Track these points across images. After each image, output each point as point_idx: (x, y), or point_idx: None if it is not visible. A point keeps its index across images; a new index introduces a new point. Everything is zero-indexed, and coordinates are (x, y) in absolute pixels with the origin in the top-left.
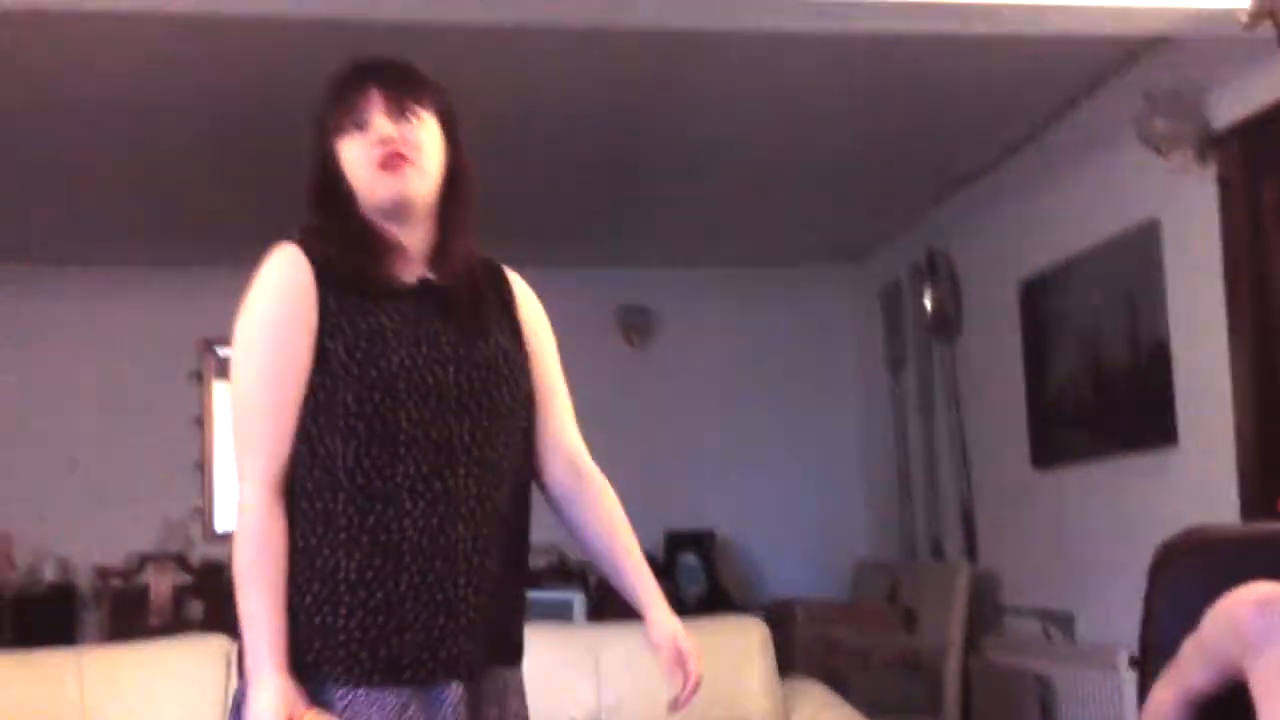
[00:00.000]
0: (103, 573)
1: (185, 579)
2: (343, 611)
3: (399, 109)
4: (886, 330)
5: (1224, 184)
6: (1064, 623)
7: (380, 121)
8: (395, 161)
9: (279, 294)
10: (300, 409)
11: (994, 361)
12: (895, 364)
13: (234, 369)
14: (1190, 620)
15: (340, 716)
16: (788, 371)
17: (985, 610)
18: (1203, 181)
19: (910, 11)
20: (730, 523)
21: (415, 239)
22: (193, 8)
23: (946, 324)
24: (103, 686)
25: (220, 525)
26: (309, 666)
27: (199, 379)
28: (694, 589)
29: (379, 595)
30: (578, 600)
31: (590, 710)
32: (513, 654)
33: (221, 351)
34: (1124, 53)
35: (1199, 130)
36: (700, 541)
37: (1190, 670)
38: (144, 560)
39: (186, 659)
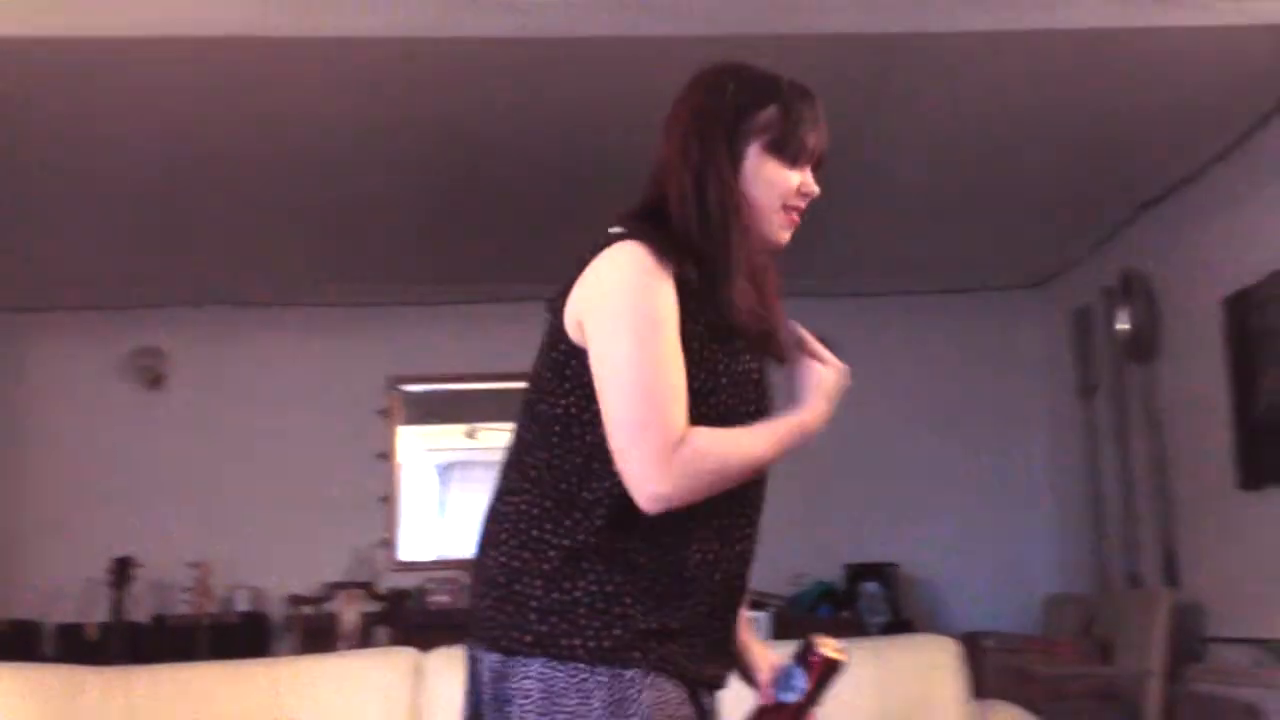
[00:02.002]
0: (294, 600)
1: (373, 607)
2: (643, 606)
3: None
4: (1077, 355)
5: None
6: (1278, 649)
7: (811, 177)
8: (797, 220)
9: (662, 291)
10: None
11: (1196, 382)
12: (1087, 390)
13: (608, 362)
14: None
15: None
16: (972, 400)
17: (1189, 641)
18: None
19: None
20: (913, 556)
21: None
22: (370, 31)
23: (1143, 346)
24: (296, 695)
25: (404, 555)
26: (613, 653)
27: (386, 415)
28: (877, 618)
29: (676, 594)
30: (761, 618)
31: None
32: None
33: (406, 389)
34: None
35: None
36: (882, 573)
37: None
38: (333, 589)
39: (376, 671)
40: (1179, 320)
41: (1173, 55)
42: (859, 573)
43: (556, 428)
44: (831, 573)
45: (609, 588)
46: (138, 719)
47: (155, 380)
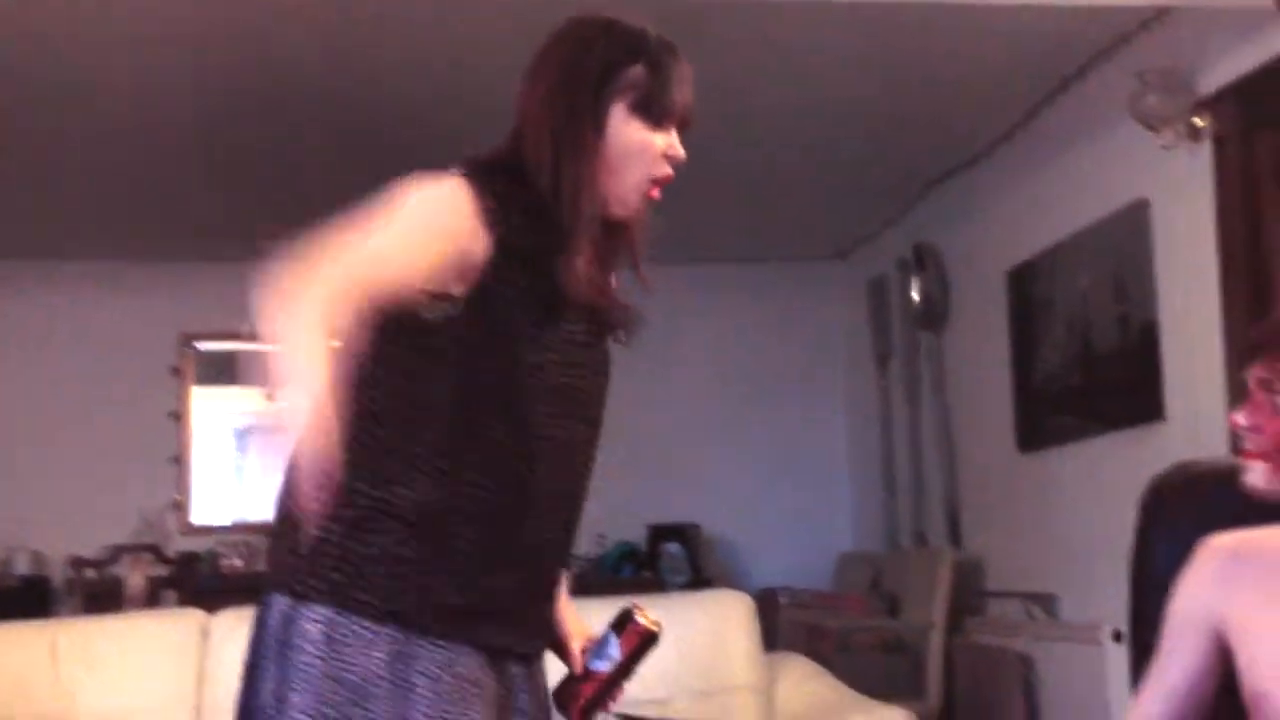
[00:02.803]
0: (77, 563)
1: (160, 571)
2: (443, 579)
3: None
4: (874, 324)
5: (1218, 142)
6: (1047, 603)
7: (676, 140)
8: (659, 189)
9: (442, 192)
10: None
11: (981, 350)
12: (882, 357)
13: (378, 220)
14: (1184, 550)
15: (436, 665)
16: (774, 367)
17: (969, 595)
18: (1194, 156)
19: None
20: (715, 516)
21: None
22: None
23: (934, 315)
24: (77, 657)
25: (197, 518)
26: (402, 616)
27: (177, 374)
28: (678, 578)
29: (484, 572)
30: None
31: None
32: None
33: (201, 347)
34: (1113, 35)
35: (1191, 105)
36: (684, 533)
37: (1174, 652)
38: (119, 552)
39: (161, 632)
40: (967, 291)
41: (961, 33)
42: (661, 534)
43: (367, 364)
44: (634, 534)
45: (408, 552)
46: None
47: None
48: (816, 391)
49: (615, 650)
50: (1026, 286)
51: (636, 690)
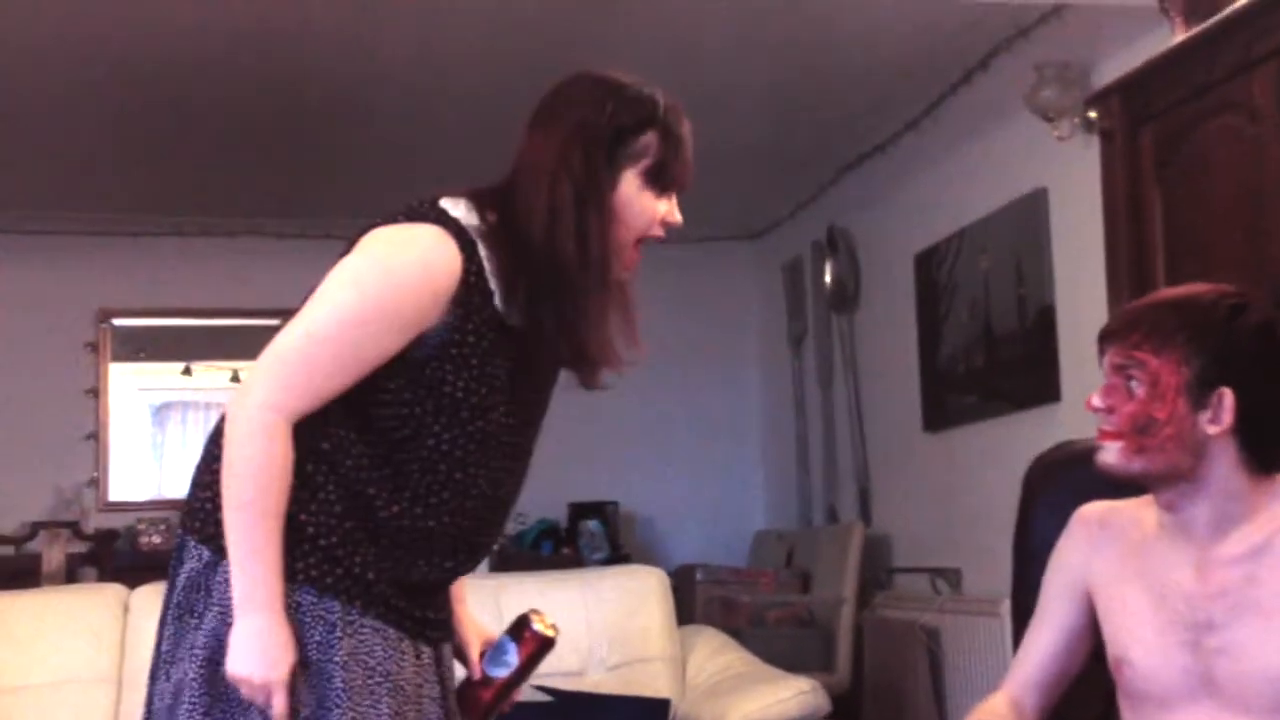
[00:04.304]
0: None
1: (79, 547)
2: (362, 561)
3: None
4: (788, 305)
5: (1105, 136)
6: (951, 578)
7: (675, 206)
8: (639, 258)
9: (422, 273)
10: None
11: (890, 332)
12: (796, 338)
13: (326, 297)
14: (1062, 524)
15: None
16: (692, 347)
17: (878, 571)
18: (1088, 147)
19: None
20: (633, 495)
21: None
22: None
23: (845, 298)
24: None
25: (115, 495)
26: (314, 580)
27: (94, 350)
28: (596, 555)
29: (407, 574)
30: None
31: None
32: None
33: (117, 323)
34: (1014, 29)
35: (1085, 98)
36: (603, 511)
37: (1048, 615)
38: (36, 528)
39: (81, 607)
40: (877, 274)
41: (869, 22)
42: (581, 511)
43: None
44: (554, 511)
45: (332, 521)
46: None
47: None
48: (732, 372)
49: (513, 657)
50: (932, 270)
51: (553, 663)
